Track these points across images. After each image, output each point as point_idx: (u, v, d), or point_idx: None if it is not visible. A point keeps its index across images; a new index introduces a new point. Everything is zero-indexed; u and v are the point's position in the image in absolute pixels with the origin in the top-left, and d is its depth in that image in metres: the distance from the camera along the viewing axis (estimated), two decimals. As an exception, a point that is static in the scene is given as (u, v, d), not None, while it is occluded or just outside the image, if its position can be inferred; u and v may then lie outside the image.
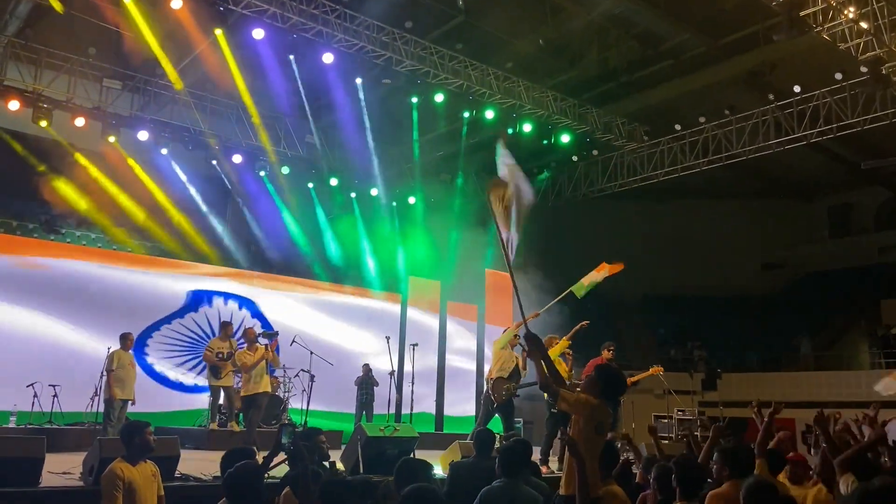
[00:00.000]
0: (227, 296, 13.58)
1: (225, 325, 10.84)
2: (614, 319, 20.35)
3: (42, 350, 11.03)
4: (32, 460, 5.58)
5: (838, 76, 12.56)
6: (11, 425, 9.60)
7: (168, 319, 12.76)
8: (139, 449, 4.69)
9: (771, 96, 13.85)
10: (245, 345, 9.33)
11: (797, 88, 13.31)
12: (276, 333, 10.02)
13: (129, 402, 9.30)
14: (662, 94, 15.60)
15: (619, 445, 5.82)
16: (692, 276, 21.64)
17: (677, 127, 15.27)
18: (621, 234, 20.67)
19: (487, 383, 9.21)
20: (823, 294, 21.60)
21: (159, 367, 12.46)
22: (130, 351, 9.52)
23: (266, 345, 9.21)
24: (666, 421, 13.32)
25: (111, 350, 9.47)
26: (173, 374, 12.58)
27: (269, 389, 9.35)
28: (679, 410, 13.56)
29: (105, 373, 9.25)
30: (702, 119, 14.88)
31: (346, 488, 3.38)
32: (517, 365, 9.05)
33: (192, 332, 13.00)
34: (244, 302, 13.78)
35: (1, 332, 10.87)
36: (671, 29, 14.20)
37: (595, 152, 16.35)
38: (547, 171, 17.12)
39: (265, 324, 13.41)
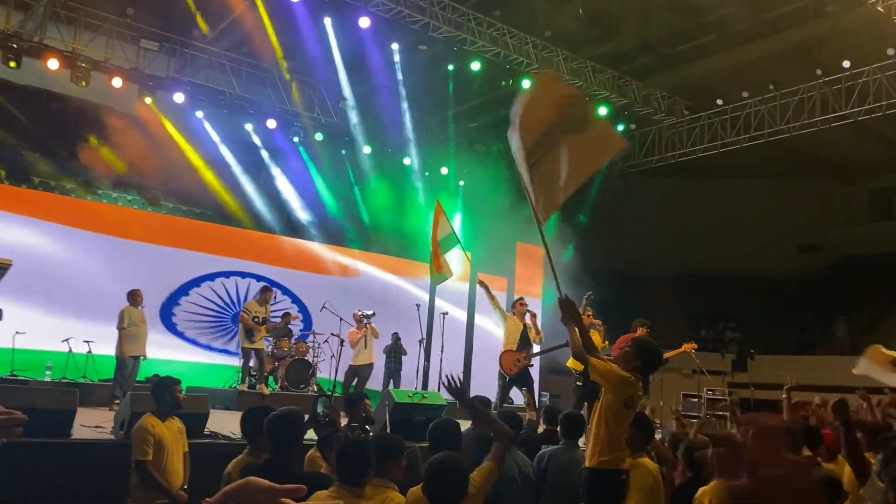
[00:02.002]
0: (256, 275, 13.67)
1: (265, 290, 10.91)
2: (645, 297, 20.13)
3: (78, 306, 11.21)
4: (64, 412, 5.66)
5: (890, 52, 12.10)
6: (47, 379, 9.80)
7: (197, 282, 12.90)
8: (169, 405, 4.77)
9: (819, 71, 13.40)
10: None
11: (846, 64, 12.86)
12: (373, 314, 10.98)
13: (141, 357, 9.40)
14: (704, 67, 15.19)
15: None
16: (727, 256, 21.27)
17: (719, 102, 14.88)
18: (656, 211, 20.36)
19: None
20: (861, 277, 21.10)
21: (189, 334, 12.67)
22: (140, 307, 9.53)
23: (367, 324, 10.79)
24: (695, 400, 13.18)
25: (122, 308, 9.42)
26: (204, 341, 12.79)
27: (372, 361, 10.96)
28: (709, 390, 13.39)
29: (117, 331, 9.27)
30: (745, 94, 14.47)
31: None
32: (525, 333, 8.89)
33: (218, 300, 13.14)
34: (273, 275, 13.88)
35: (39, 287, 11.05)
36: (715, 1, 13.77)
37: (633, 126, 16.03)
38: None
39: (293, 299, 13.61)
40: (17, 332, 9.67)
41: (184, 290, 12.81)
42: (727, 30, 14.35)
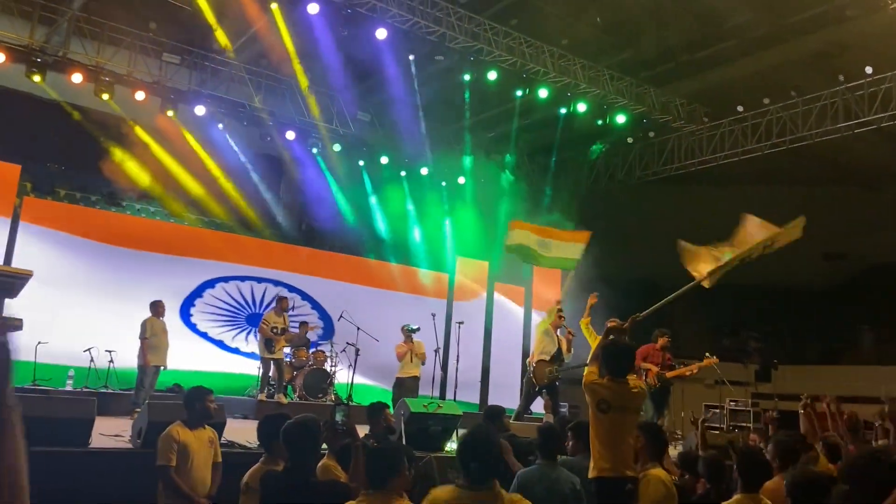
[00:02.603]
0: (276, 281, 13.75)
1: (281, 300, 10.98)
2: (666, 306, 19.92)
3: (100, 317, 11.34)
4: (83, 421, 5.71)
5: (913, 57, 11.94)
6: (68, 388, 9.91)
7: (212, 283, 13.07)
8: (199, 415, 4.84)
9: (841, 77, 13.23)
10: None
11: (868, 70, 12.69)
12: (418, 329, 10.90)
13: (162, 367, 9.52)
14: (724, 74, 15.04)
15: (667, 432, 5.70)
16: (749, 265, 20.95)
17: (740, 108, 14.74)
18: (676, 219, 20.16)
19: (529, 367, 9.16)
20: (887, 286, 20.75)
21: (211, 332, 12.80)
22: (162, 318, 9.68)
23: (412, 339, 10.69)
24: (717, 411, 13.00)
25: (145, 319, 9.59)
26: (228, 340, 12.94)
27: (418, 374, 10.71)
28: (731, 401, 13.20)
29: (139, 340, 9.42)
30: (766, 101, 14.33)
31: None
32: (560, 348, 8.95)
33: (234, 300, 13.27)
34: (292, 280, 13.96)
35: (61, 298, 11.20)
36: (734, 7, 13.67)
37: (651, 134, 15.93)
38: (600, 143, 16.57)
39: (314, 305, 13.65)
40: (40, 343, 9.80)
41: (200, 290, 12.98)
42: (747, 36, 14.21)
